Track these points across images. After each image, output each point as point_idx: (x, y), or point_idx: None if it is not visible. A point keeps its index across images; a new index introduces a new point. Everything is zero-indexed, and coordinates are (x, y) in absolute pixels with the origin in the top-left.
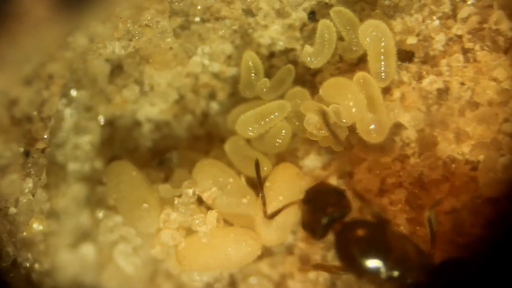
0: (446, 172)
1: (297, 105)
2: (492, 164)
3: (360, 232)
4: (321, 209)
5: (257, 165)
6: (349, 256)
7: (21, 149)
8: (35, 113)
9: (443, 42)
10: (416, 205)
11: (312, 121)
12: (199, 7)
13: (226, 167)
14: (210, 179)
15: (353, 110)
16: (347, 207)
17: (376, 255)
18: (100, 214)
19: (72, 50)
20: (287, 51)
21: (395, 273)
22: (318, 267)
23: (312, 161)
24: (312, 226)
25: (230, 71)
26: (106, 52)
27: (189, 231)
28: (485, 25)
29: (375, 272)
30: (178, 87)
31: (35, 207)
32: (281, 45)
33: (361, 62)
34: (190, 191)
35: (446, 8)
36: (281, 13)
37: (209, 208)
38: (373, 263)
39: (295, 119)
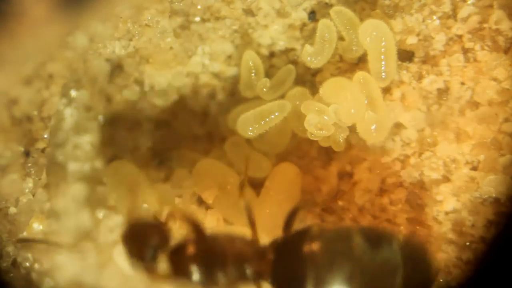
0: (446, 172)
1: (297, 105)
2: (492, 164)
3: (189, 251)
4: (143, 244)
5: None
6: (186, 278)
7: (21, 149)
8: (35, 113)
9: (443, 42)
10: (416, 205)
11: (312, 121)
12: (199, 7)
13: (226, 167)
14: (210, 179)
15: (352, 111)
16: (166, 233)
17: (211, 268)
18: (100, 214)
19: (72, 50)
20: (287, 51)
21: (235, 273)
22: None
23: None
24: (142, 262)
25: (230, 71)
26: (106, 52)
27: None
28: (485, 25)
29: (217, 280)
30: (178, 87)
31: (35, 207)
32: (281, 45)
33: (361, 62)
34: (190, 191)
35: (446, 7)
36: (281, 13)
37: (209, 208)
38: (212, 274)
39: (295, 119)
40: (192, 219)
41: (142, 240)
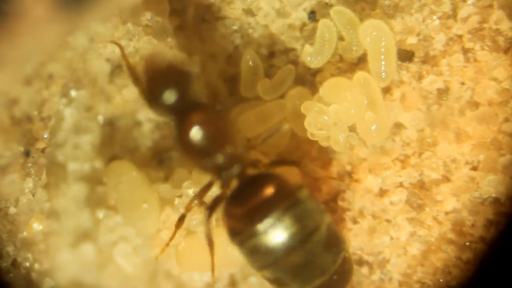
0: (446, 172)
1: (297, 105)
2: (492, 164)
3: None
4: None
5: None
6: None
7: (21, 149)
8: (35, 112)
9: (443, 42)
10: (416, 205)
11: (312, 121)
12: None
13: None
14: (210, 179)
15: (352, 111)
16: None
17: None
18: (100, 214)
19: (72, 50)
20: (287, 50)
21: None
22: None
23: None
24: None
25: (231, 71)
26: (106, 52)
27: (189, 231)
28: (485, 25)
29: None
30: None
31: (35, 207)
32: (281, 44)
33: (361, 62)
34: (190, 191)
35: (446, 7)
36: (281, 13)
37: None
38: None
39: (295, 119)
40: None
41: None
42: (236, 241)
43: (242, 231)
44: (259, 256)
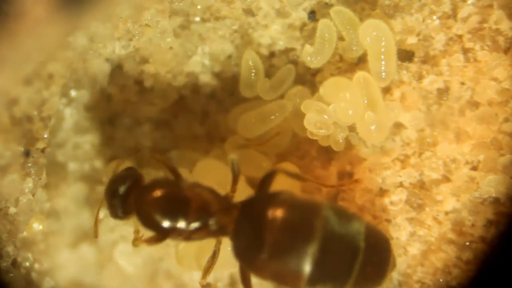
0: (446, 172)
1: (297, 105)
2: (492, 164)
3: (155, 193)
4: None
5: None
6: (150, 220)
7: (21, 149)
8: (35, 112)
9: (443, 42)
10: (416, 205)
11: (312, 120)
12: (199, 7)
13: (226, 167)
14: (210, 179)
15: (350, 111)
16: (136, 174)
17: (175, 212)
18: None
19: (72, 50)
20: (287, 50)
21: (198, 224)
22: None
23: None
24: (111, 204)
25: (231, 71)
26: (106, 52)
27: None
28: (485, 25)
29: (179, 229)
30: (178, 87)
31: (35, 206)
32: (281, 44)
33: (361, 62)
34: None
35: (446, 7)
36: (281, 13)
37: None
38: (174, 220)
39: (296, 119)
40: (169, 164)
41: (118, 181)
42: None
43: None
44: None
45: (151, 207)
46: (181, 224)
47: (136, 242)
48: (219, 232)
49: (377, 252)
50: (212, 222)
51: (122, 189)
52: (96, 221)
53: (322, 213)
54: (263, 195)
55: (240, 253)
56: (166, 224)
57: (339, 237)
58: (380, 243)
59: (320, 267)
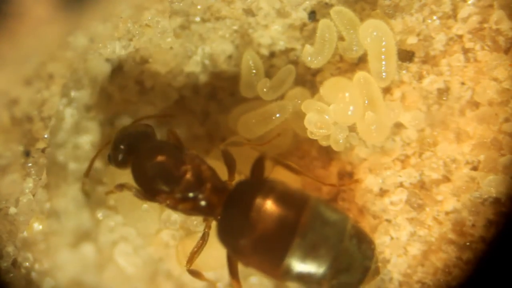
0: (446, 172)
1: (297, 105)
2: (492, 164)
3: (156, 152)
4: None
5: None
6: (144, 180)
7: (21, 149)
8: (35, 113)
9: (444, 42)
10: (416, 205)
11: (312, 119)
12: (199, 7)
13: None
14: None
15: (349, 112)
16: (151, 132)
17: (168, 175)
18: (100, 214)
19: (72, 50)
20: (287, 51)
21: (187, 194)
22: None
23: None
24: (115, 149)
25: (231, 71)
26: (107, 52)
27: (189, 231)
28: (485, 25)
29: (166, 192)
30: (178, 87)
31: (35, 207)
32: (281, 45)
33: (361, 62)
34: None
35: (447, 7)
36: (281, 13)
37: None
38: (167, 184)
39: (296, 119)
40: (173, 133)
41: (132, 133)
42: (277, 279)
43: (273, 272)
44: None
45: (147, 163)
46: (171, 188)
47: (109, 192)
48: (206, 210)
49: (359, 252)
50: (201, 197)
51: (131, 140)
52: (92, 161)
53: (308, 206)
54: (253, 181)
55: (224, 236)
56: (156, 184)
57: (322, 233)
58: (364, 244)
59: (299, 260)
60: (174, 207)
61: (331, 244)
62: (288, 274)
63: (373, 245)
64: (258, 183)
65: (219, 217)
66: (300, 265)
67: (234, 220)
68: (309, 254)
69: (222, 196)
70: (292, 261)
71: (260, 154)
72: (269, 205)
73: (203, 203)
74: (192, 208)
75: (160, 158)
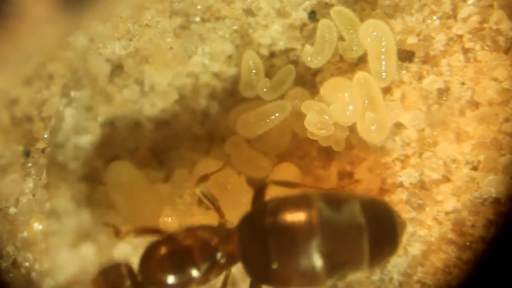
0: (446, 172)
1: (297, 106)
2: (492, 164)
3: (156, 261)
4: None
5: None
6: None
7: (21, 149)
8: (35, 112)
9: (444, 42)
10: (416, 205)
11: (312, 120)
12: (199, 7)
13: (226, 167)
14: (210, 179)
15: (348, 112)
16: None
17: (183, 267)
18: (100, 214)
19: (72, 50)
20: (287, 51)
21: (208, 265)
22: None
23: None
24: None
25: (231, 71)
26: (107, 52)
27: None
28: (485, 25)
29: (192, 277)
30: (178, 87)
31: (35, 206)
32: (281, 45)
33: (361, 62)
34: (190, 191)
35: (447, 8)
36: (281, 13)
37: (209, 208)
38: (186, 274)
39: (296, 119)
40: (148, 229)
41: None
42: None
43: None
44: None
45: (159, 275)
46: (195, 273)
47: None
48: (229, 261)
49: (380, 220)
50: (219, 256)
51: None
52: None
53: (314, 206)
54: (254, 210)
55: (254, 272)
56: (180, 280)
57: (337, 222)
58: (380, 210)
59: (331, 257)
60: (206, 282)
61: (351, 228)
62: (329, 274)
63: (387, 206)
64: (259, 209)
65: (241, 258)
66: (335, 260)
67: (255, 252)
68: (336, 246)
69: (233, 239)
70: (325, 261)
71: (259, 185)
72: (279, 223)
73: (223, 259)
74: (219, 270)
75: (163, 263)
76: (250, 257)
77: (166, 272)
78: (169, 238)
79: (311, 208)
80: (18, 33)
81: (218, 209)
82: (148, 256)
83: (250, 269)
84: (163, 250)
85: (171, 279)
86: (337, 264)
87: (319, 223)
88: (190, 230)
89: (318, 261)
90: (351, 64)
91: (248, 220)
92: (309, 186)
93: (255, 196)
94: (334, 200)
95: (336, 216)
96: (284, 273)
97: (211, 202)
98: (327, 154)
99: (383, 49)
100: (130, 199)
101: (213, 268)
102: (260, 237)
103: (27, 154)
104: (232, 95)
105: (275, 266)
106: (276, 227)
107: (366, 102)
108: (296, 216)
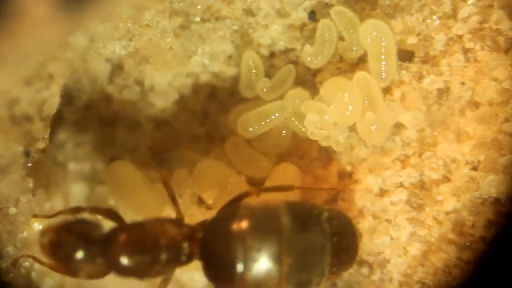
0: (446, 172)
1: (297, 106)
2: (492, 164)
3: (122, 239)
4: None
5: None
6: (120, 266)
7: (21, 149)
8: (35, 113)
9: (444, 42)
10: (416, 205)
11: (312, 120)
12: (199, 7)
13: (226, 167)
14: (210, 179)
15: (348, 112)
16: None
17: (147, 253)
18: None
19: (72, 50)
20: (287, 51)
21: (168, 257)
22: None
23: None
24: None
25: (231, 71)
26: (107, 52)
27: None
28: (485, 25)
29: (152, 269)
30: (178, 87)
31: (35, 206)
32: (281, 45)
33: (361, 62)
34: (190, 191)
35: (447, 7)
36: (281, 13)
37: (209, 208)
38: (148, 260)
39: (296, 119)
40: (114, 212)
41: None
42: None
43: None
44: None
45: (119, 259)
46: (153, 262)
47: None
48: (187, 260)
49: (342, 233)
50: (181, 252)
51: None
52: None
53: (281, 215)
54: (223, 213)
55: (214, 275)
56: (137, 265)
57: (304, 233)
58: (343, 222)
59: (295, 266)
60: (157, 275)
61: (317, 240)
62: (291, 281)
63: (347, 217)
64: (228, 214)
65: (201, 259)
66: (299, 268)
67: (219, 256)
68: (302, 256)
69: (197, 239)
70: (292, 269)
71: (245, 191)
72: (247, 230)
73: (183, 258)
74: (174, 265)
75: (129, 246)
76: (211, 260)
77: (125, 254)
78: (139, 225)
79: (279, 219)
80: (18, 33)
81: (175, 203)
82: (115, 234)
83: (209, 271)
84: (130, 234)
85: (127, 261)
86: (300, 271)
87: (287, 234)
88: (160, 221)
89: (280, 270)
90: (351, 64)
91: (216, 223)
92: (306, 187)
93: (232, 200)
94: (301, 210)
95: (303, 228)
96: (246, 278)
97: (170, 197)
98: (327, 154)
99: (383, 49)
100: (130, 199)
101: (171, 262)
102: (226, 242)
103: (27, 154)
104: (232, 95)
105: (238, 270)
106: (244, 233)
107: (366, 102)
108: (264, 225)
